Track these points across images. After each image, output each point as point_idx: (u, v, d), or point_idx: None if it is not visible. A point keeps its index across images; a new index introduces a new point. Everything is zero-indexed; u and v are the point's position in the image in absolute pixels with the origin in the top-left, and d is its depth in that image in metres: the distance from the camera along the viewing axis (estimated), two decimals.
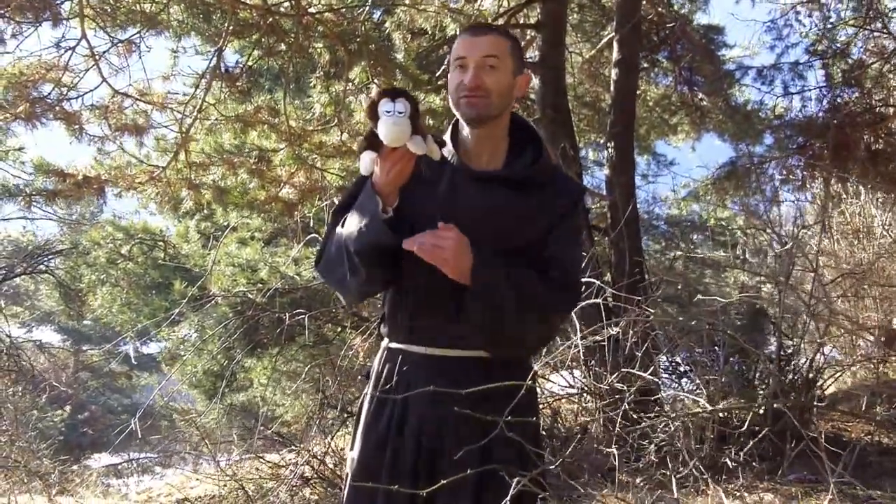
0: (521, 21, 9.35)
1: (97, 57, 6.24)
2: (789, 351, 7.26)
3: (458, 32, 7.15)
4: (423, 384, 2.71)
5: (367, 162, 2.55)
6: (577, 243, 2.98)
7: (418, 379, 2.75)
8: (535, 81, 8.44)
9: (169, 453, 11.41)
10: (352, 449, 2.86)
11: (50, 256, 15.80)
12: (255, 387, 11.16)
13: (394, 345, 2.88)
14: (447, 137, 2.85)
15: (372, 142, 2.53)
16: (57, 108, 6.66)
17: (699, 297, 7.57)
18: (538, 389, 4.78)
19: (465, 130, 2.82)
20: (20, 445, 10.57)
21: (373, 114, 2.47)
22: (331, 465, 7.02)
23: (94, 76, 6.36)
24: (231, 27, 6.39)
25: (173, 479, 10.39)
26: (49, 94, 6.64)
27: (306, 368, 8.63)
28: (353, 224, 2.67)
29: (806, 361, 7.16)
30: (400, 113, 2.43)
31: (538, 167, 2.84)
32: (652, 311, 6.65)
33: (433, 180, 2.76)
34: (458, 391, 2.63)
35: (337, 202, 3.00)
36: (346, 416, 7.57)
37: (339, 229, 2.78)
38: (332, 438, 7.35)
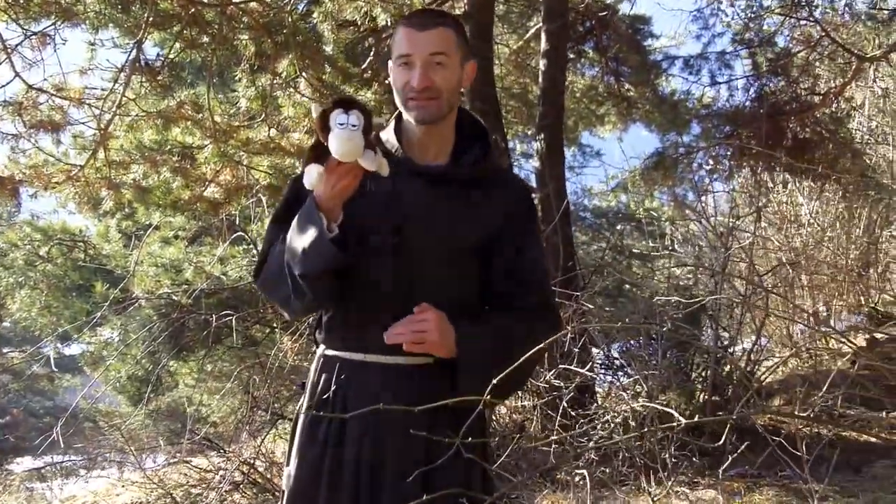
0: (448, 11, 9.18)
1: (9, 50, 5.95)
2: (726, 343, 7.23)
3: (388, 22, 7.05)
4: (363, 395, 2.53)
5: (314, 176, 2.35)
6: (544, 256, 2.87)
7: (357, 389, 2.58)
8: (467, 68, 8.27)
9: (93, 456, 11.15)
10: (287, 464, 2.68)
11: None
12: (182, 388, 10.94)
13: (330, 352, 2.68)
14: (391, 129, 2.68)
15: (319, 154, 2.35)
16: None
17: (634, 290, 7.52)
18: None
19: (412, 124, 2.65)
20: None
21: (324, 125, 2.29)
22: (261, 469, 6.87)
23: (6, 70, 6.08)
24: (151, 18, 6.13)
25: (98, 484, 10.15)
26: None
27: (235, 371, 8.42)
28: (295, 244, 2.47)
29: (743, 353, 7.14)
30: (353, 126, 2.25)
31: (486, 164, 2.70)
32: (589, 305, 6.57)
33: (375, 176, 2.55)
34: (411, 408, 2.43)
35: (273, 210, 2.83)
36: (276, 418, 7.41)
37: (279, 246, 2.59)
38: (262, 441, 7.21)
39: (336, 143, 2.25)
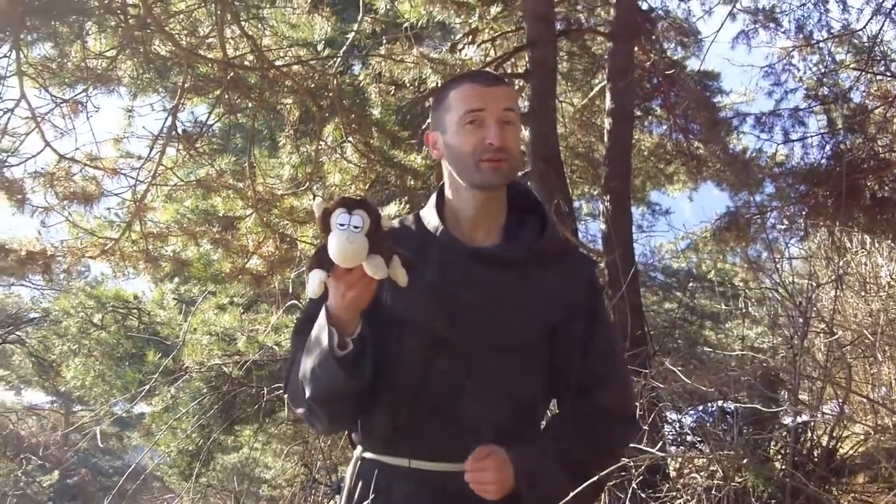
0: (510, 70, 8.94)
1: (39, 119, 5.71)
2: (805, 418, 6.83)
3: (438, 84, 6.75)
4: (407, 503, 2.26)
5: (314, 283, 2.07)
6: (618, 344, 2.52)
7: (400, 497, 2.28)
8: (525, 133, 8.07)
9: None
10: None
11: (21, 326, 15.39)
12: (236, 457, 10.78)
13: (369, 455, 2.36)
14: (432, 207, 2.38)
15: (323, 258, 2.07)
16: None
17: (706, 354, 7.21)
18: None
19: (462, 199, 2.35)
20: None
21: (325, 226, 2.03)
22: None
23: (36, 140, 5.84)
24: (188, 83, 5.88)
25: None
26: None
27: (287, 448, 8.21)
28: (308, 362, 2.19)
29: (824, 430, 6.74)
30: (356, 228, 1.99)
31: (545, 243, 2.35)
32: (660, 385, 6.22)
33: (416, 264, 2.22)
34: None
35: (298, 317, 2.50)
36: (335, 493, 7.16)
37: (300, 357, 2.28)
38: None
39: (335, 247, 1.99)
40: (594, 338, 2.39)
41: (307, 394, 2.20)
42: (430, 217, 2.38)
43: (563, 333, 2.33)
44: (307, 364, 2.19)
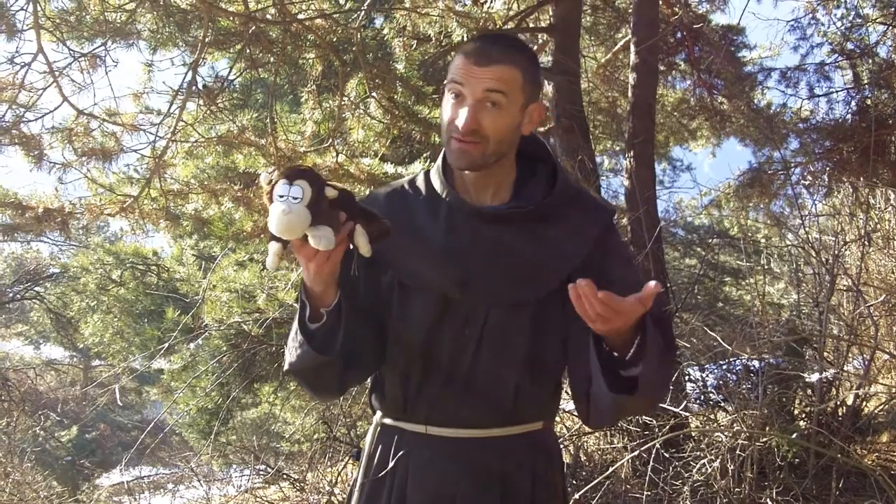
0: (533, 25, 8.83)
1: (56, 73, 5.63)
2: (830, 377, 6.76)
3: (465, 38, 6.63)
4: (427, 470, 2.25)
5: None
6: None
7: (420, 464, 2.27)
8: (549, 88, 7.95)
9: (178, 474, 11.06)
10: None
11: (39, 282, 15.41)
12: (255, 412, 10.77)
13: (388, 421, 2.36)
14: (438, 167, 2.33)
15: None
16: (13, 132, 6.05)
17: (726, 311, 7.14)
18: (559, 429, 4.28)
19: None
20: (15, 479, 10.25)
21: (269, 197, 2.00)
22: (340, 499, 6.60)
23: (54, 95, 5.77)
24: (209, 38, 5.79)
25: None
26: (3, 115, 6.01)
27: (307, 405, 8.18)
28: (290, 333, 2.21)
29: (850, 387, 6.67)
30: (295, 199, 1.94)
31: (555, 197, 2.25)
32: (686, 344, 6.15)
33: (423, 226, 2.23)
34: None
35: None
36: (355, 449, 7.13)
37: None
38: (341, 469, 7.02)
39: (271, 218, 1.96)
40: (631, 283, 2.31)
41: (285, 366, 2.23)
42: (436, 178, 2.31)
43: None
44: (288, 336, 2.20)
